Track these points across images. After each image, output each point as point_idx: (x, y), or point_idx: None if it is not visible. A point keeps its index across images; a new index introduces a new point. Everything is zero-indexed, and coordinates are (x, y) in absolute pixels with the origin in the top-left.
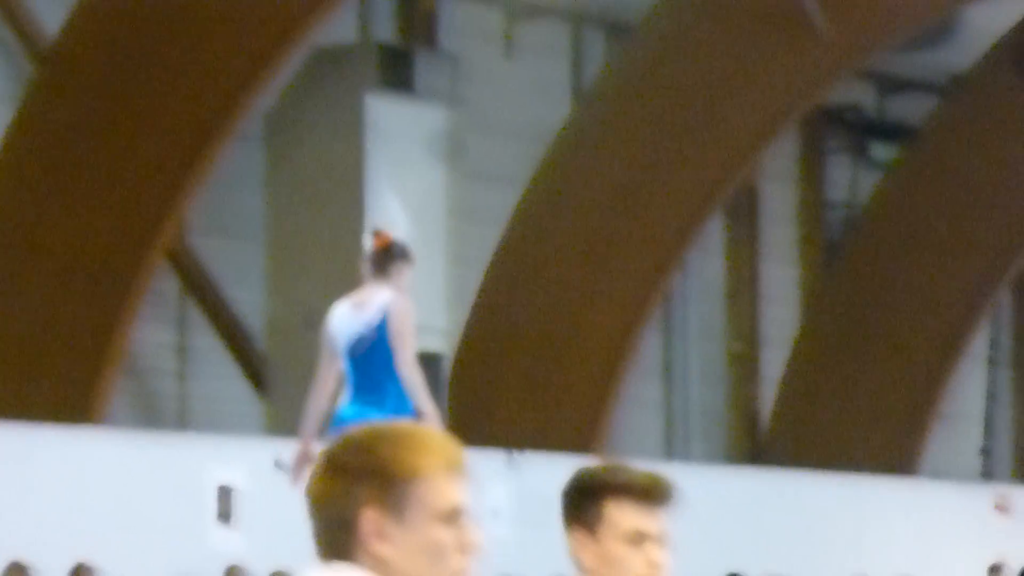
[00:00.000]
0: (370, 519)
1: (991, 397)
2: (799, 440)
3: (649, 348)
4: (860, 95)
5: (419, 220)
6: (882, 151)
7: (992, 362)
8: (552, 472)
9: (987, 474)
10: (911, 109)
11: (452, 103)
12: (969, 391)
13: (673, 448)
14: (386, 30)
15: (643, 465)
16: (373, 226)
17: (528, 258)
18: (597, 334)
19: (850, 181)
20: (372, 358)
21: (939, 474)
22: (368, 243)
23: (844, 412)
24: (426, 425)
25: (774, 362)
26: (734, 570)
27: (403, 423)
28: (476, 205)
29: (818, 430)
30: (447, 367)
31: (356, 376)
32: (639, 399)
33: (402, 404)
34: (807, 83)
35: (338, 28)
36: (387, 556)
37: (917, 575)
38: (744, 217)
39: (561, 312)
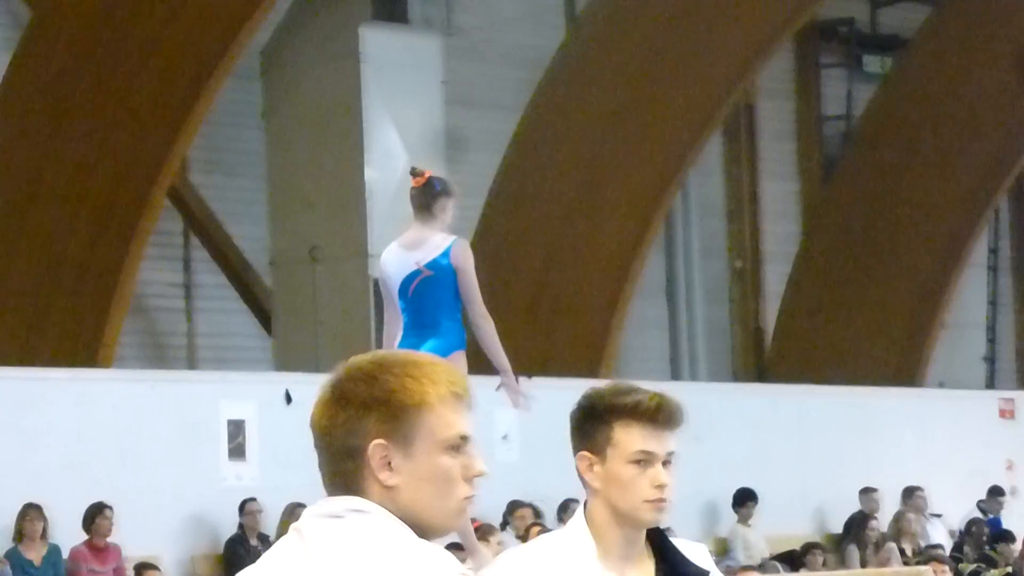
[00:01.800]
0: (378, 449)
1: (993, 305)
2: (804, 354)
3: (651, 268)
4: (853, 8)
5: (417, 149)
6: (876, 64)
7: (993, 270)
8: (560, 396)
9: (991, 381)
10: (904, 21)
11: (446, 32)
12: (971, 300)
13: (678, 367)
14: None
15: (649, 385)
16: (411, 167)
17: (527, 184)
18: (599, 257)
19: (846, 95)
20: (427, 296)
21: (944, 383)
22: (409, 183)
23: (847, 325)
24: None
25: (777, 278)
26: (743, 485)
27: (407, 352)
28: (473, 132)
29: (822, 344)
30: None
31: (411, 315)
32: (643, 319)
33: (458, 338)
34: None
35: None
36: (395, 485)
37: (925, 484)
38: (742, 135)
39: (562, 236)
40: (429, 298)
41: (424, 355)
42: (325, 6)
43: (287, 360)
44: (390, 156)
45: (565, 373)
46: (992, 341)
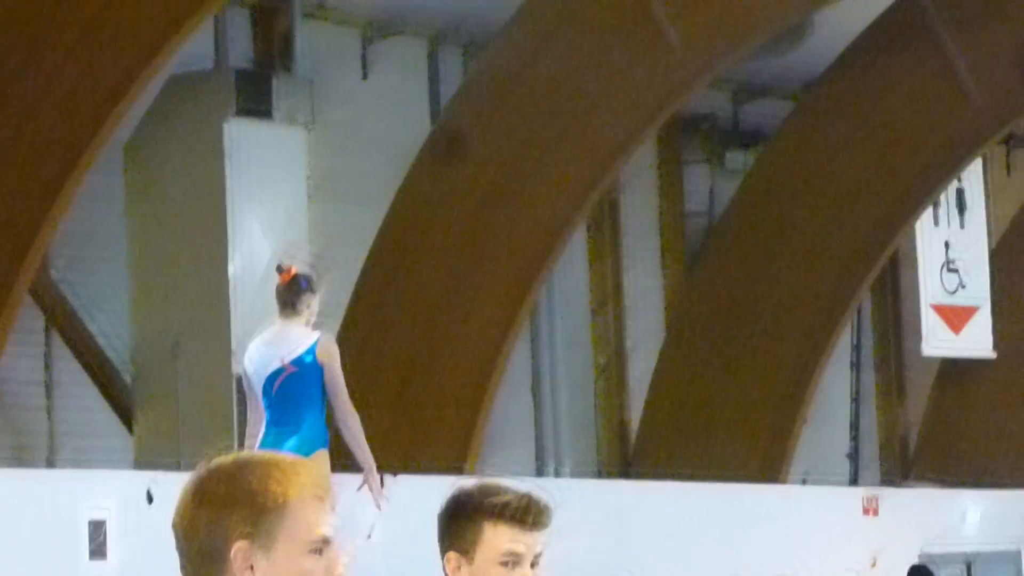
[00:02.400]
0: (240, 551)
1: (856, 401)
2: (669, 449)
3: (517, 361)
4: (715, 105)
5: (282, 243)
6: (739, 160)
7: (855, 366)
8: (425, 494)
9: (855, 478)
10: (765, 117)
11: (310, 126)
12: (834, 396)
13: (544, 461)
14: (242, 55)
15: (516, 483)
16: (278, 261)
17: (393, 277)
18: (465, 350)
19: (708, 190)
20: (291, 393)
21: (807, 479)
22: (275, 279)
23: (711, 420)
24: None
25: (641, 372)
26: None
27: (270, 453)
28: (339, 226)
29: (687, 438)
30: None
31: (273, 412)
32: (509, 413)
33: (321, 436)
34: (663, 93)
35: (194, 55)
36: None
37: None
38: (606, 229)
39: (428, 329)
40: (293, 395)
41: (286, 456)
42: (189, 100)
43: (149, 458)
44: (254, 251)
45: (431, 467)
46: (855, 438)
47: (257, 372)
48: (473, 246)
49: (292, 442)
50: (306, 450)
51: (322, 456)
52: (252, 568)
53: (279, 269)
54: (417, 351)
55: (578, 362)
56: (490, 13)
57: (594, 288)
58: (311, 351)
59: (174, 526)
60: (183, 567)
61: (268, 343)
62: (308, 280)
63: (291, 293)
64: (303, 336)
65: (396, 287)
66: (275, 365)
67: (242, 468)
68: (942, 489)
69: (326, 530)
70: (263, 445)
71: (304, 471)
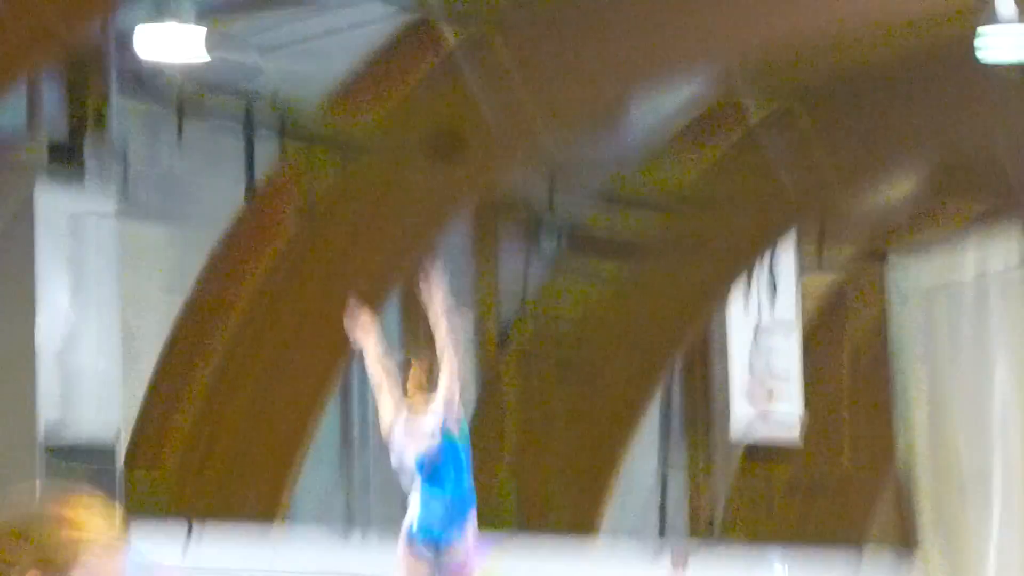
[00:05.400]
0: None
1: (665, 463)
2: (483, 504)
3: (329, 419)
4: (532, 190)
5: (93, 312)
6: (553, 246)
7: (666, 429)
8: (233, 545)
9: (664, 533)
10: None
11: (123, 196)
12: (645, 458)
13: (355, 517)
14: (55, 125)
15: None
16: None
17: (204, 340)
18: (278, 410)
19: (522, 274)
20: (439, 461)
21: (617, 536)
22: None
23: (526, 476)
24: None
25: None
26: None
27: (60, 504)
28: (150, 295)
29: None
30: (122, 454)
31: (426, 480)
32: (321, 469)
33: (468, 492)
34: (479, 176)
35: (5, 123)
36: None
37: None
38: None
39: (242, 390)
40: (442, 463)
41: (79, 501)
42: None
43: None
44: (61, 316)
45: (240, 520)
46: (664, 497)
47: (407, 454)
48: (284, 310)
49: (442, 500)
50: (457, 508)
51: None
52: None
53: (408, 363)
54: (229, 410)
55: None
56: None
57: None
58: (442, 420)
59: None
60: None
61: (410, 424)
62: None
63: (428, 382)
64: (433, 411)
65: (207, 349)
66: (424, 445)
67: (33, 523)
68: (750, 549)
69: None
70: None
71: (98, 519)
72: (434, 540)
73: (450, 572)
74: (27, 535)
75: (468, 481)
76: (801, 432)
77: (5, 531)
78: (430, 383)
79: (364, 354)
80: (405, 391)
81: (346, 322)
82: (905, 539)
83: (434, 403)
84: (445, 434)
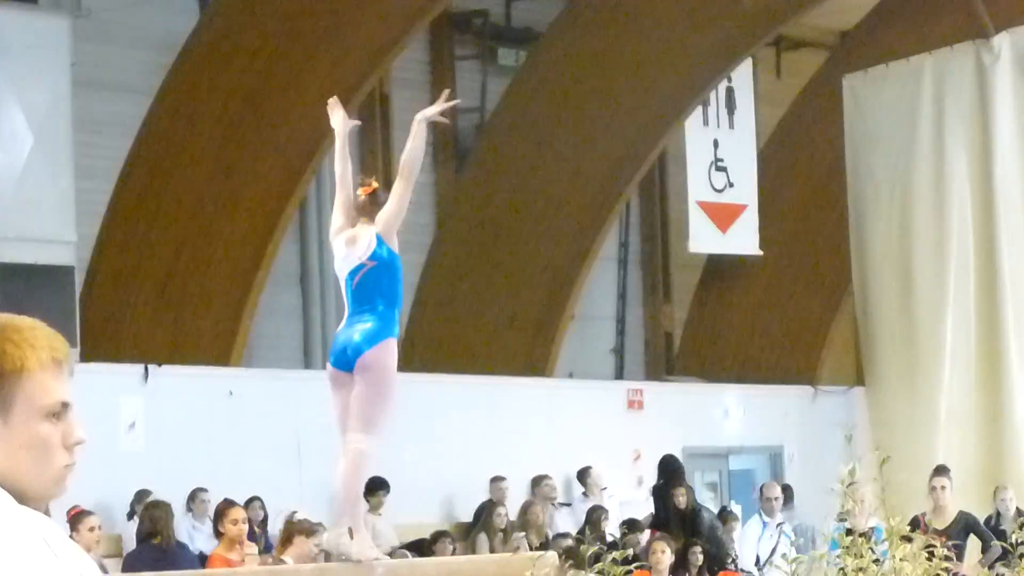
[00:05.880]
0: None
1: (622, 298)
2: (436, 344)
3: (285, 256)
4: (487, 1)
5: (44, 132)
6: (511, 57)
7: (622, 263)
8: (188, 384)
9: (620, 373)
10: (538, 14)
11: (75, 13)
12: (600, 293)
13: (311, 356)
14: None
15: (282, 373)
16: (359, 176)
17: (158, 169)
18: (231, 244)
19: (480, 87)
20: (368, 284)
21: (573, 374)
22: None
23: (479, 315)
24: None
25: (410, 268)
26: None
27: (8, 317)
28: (104, 115)
29: (454, 334)
30: (78, 280)
31: (353, 303)
32: (276, 308)
33: (390, 322)
34: None
35: None
36: None
37: (553, 473)
38: (377, 123)
39: (193, 222)
40: (371, 287)
41: (26, 320)
42: None
43: None
44: (16, 138)
45: (196, 361)
46: (621, 334)
47: (340, 270)
48: (240, 140)
49: (364, 324)
50: (377, 334)
51: (389, 344)
52: None
53: (362, 183)
54: (182, 244)
55: None
56: None
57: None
58: (382, 243)
59: None
60: None
61: (350, 243)
62: (384, 195)
63: (372, 204)
64: (371, 231)
65: (161, 179)
66: (355, 263)
67: None
68: (705, 384)
69: (64, 395)
70: (340, 331)
71: (43, 335)
72: (346, 359)
73: (361, 398)
74: None
75: (391, 311)
76: (761, 247)
77: None
78: (374, 205)
79: (336, 141)
80: (357, 204)
81: (329, 104)
82: (858, 372)
83: (375, 223)
84: (379, 256)
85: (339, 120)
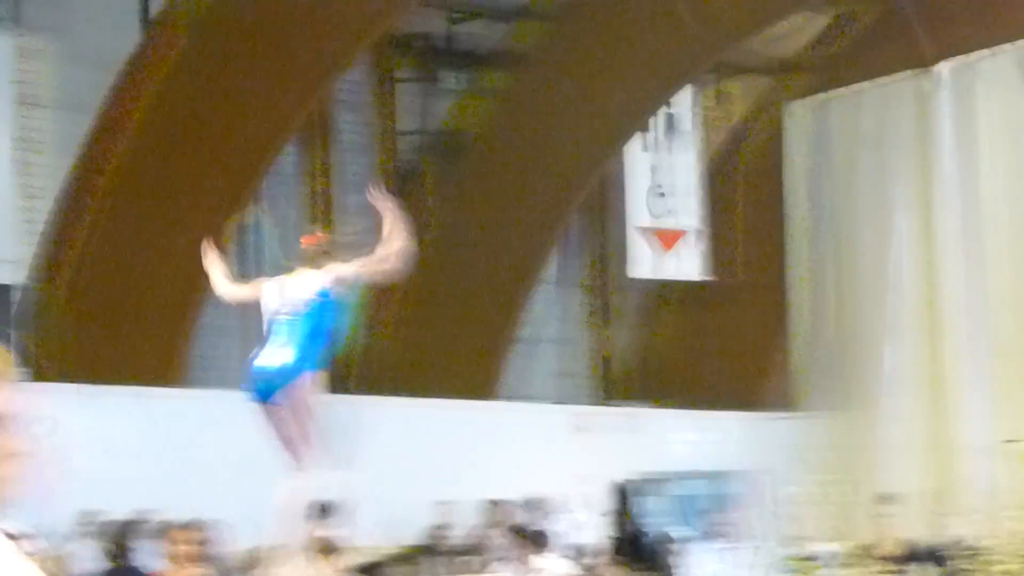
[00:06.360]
0: None
1: (565, 321)
2: (382, 367)
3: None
4: (429, 24)
5: None
6: (451, 79)
7: (564, 286)
8: (131, 405)
9: (563, 396)
10: (479, 39)
11: (17, 32)
12: (544, 315)
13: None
14: None
15: (225, 395)
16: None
17: (99, 188)
18: (174, 264)
19: (421, 109)
20: (296, 327)
21: (516, 397)
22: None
23: (425, 339)
24: None
25: (357, 291)
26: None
27: None
28: (45, 133)
29: (401, 356)
30: (17, 298)
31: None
32: (218, 328)
33: (313, 357)
34: (376, 12)
35: None
36: None
37: (500, 496)
38: (317, 145)
39: (135, 241)
40: (298, 330)
41: None
42: None
43: None
44: None
45: (137, 380)
46: (564, 357)
47: (267, 311)
48: (182, 160)
49: (286, 353)
50: (297, 365)
51: (308, 376)
52: None
53: (309, 234)
54: (126, 262)
55: None
56: None
57: (306, 203)
58: (324, 291)
59: None
60: None
61: (289, 288)
62: (331, 249)
63: (317, 252)
64: (314, 280)
65: (102, 198)
66: (287, 308)
67: None
68: (647, 409)
69: (5, 407)
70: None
71: None
72: (263, 390)
73: (283, 420)
74: None
75: (316, 351)
76: (705, 273)
77: None
78: (322, 257)
79: (217, 275)
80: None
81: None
82: (792, 397)
83: (331, 271)
84: (318, 303)
85: (212, 259)
